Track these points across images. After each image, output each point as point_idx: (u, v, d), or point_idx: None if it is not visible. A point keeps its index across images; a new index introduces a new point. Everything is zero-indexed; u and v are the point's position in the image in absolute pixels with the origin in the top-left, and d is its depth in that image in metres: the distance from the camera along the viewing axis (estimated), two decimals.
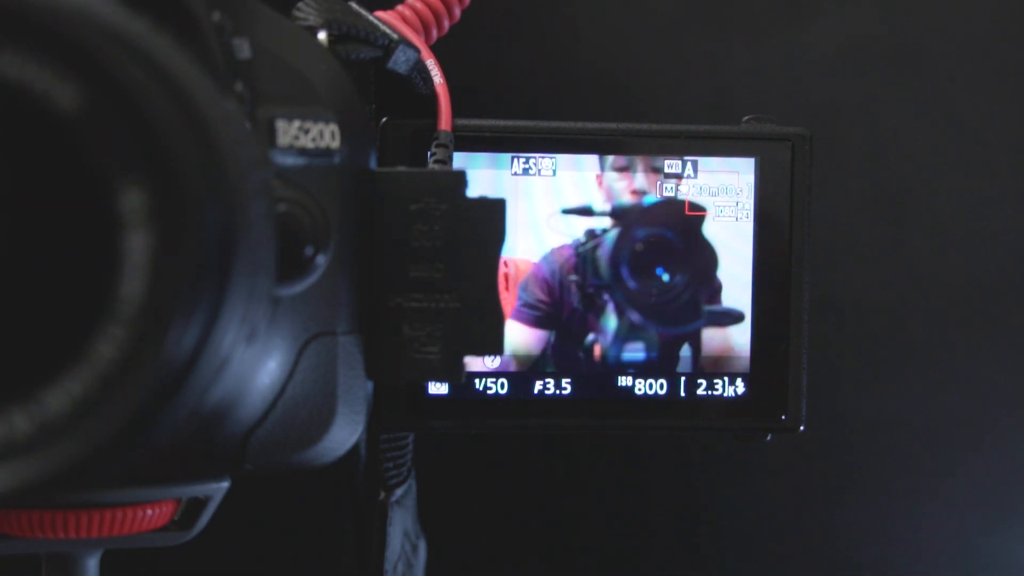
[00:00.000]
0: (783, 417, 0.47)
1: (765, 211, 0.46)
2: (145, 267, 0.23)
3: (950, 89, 0.74)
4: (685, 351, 0.47)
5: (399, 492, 0.41)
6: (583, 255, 0.45)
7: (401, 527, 0.41)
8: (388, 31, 0.37)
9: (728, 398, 0.47)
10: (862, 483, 0.75)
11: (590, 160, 0.45)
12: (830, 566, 0.76)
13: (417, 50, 0.38)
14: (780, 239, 0.46)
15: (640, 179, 0.46)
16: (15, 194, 0.24)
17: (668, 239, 0.47)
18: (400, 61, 0.37)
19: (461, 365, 0.36)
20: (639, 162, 0.46)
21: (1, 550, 0.35)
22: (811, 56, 0.72)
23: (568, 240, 0.45)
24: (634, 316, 0.47)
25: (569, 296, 0.45)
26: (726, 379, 0.47)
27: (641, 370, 0.47)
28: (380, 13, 0.38)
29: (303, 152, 0.33)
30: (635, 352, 0.47)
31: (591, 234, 0.45)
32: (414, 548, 0.43)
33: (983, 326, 0.76)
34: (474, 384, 0.43)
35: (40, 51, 0.23)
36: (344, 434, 0.34)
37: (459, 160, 0.41)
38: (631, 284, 0.46)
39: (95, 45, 0.23)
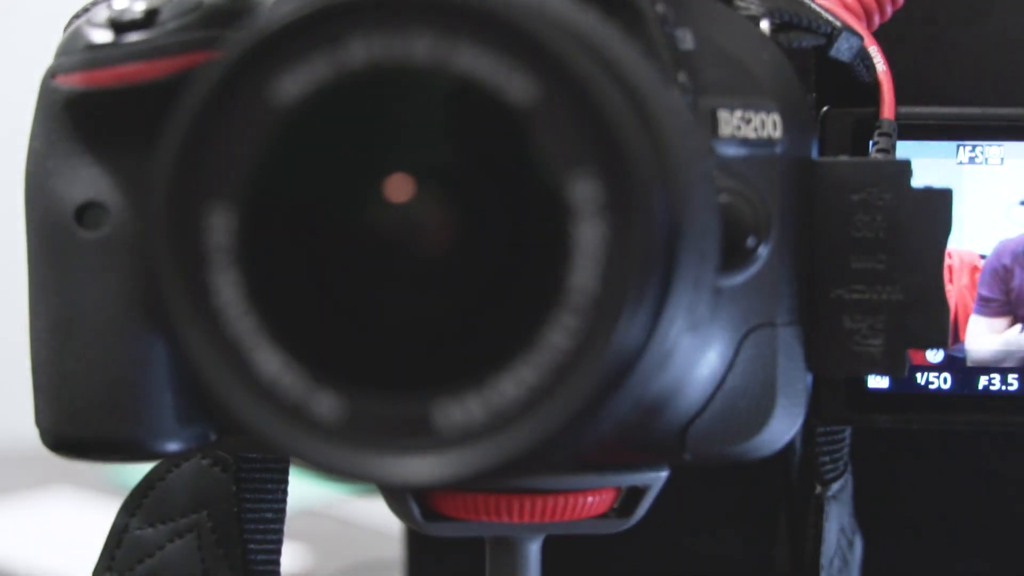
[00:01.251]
0: None
1: None
2: (598, 257, 0.23)
3: None
4: None
5: (836, 487, 0.40)
6: None
7: (837, 522, 0.40)
8: (831, 18, 0.36)
9: None
10: None
11: None
12: None
13: (860, 37, 0.37)
14: None
15: None
16: (466, 183, 0.25)
17: None
18: (843, 49, 0.36)
19: (904, 358, 0.34)
20: None
21: (448, 532, 0.36)
22: None
23: (1020, 231, 0.43)
24: None
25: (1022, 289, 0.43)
26: None
27: None
28: (822, 0, 0.37)
29: (745, 142, 0.32)
30: None
31: None
32: (850, 544, 0.42)
33: None
34: (915, 378, 0.42)
35: (496, 45, 0.23)
36: (784, 426, 0.34)
37: (903, 149, 0.39)
38: None
39: (549, 39, 0.23)
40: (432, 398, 0.24)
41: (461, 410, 0.24)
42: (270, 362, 0.24)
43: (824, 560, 0.40)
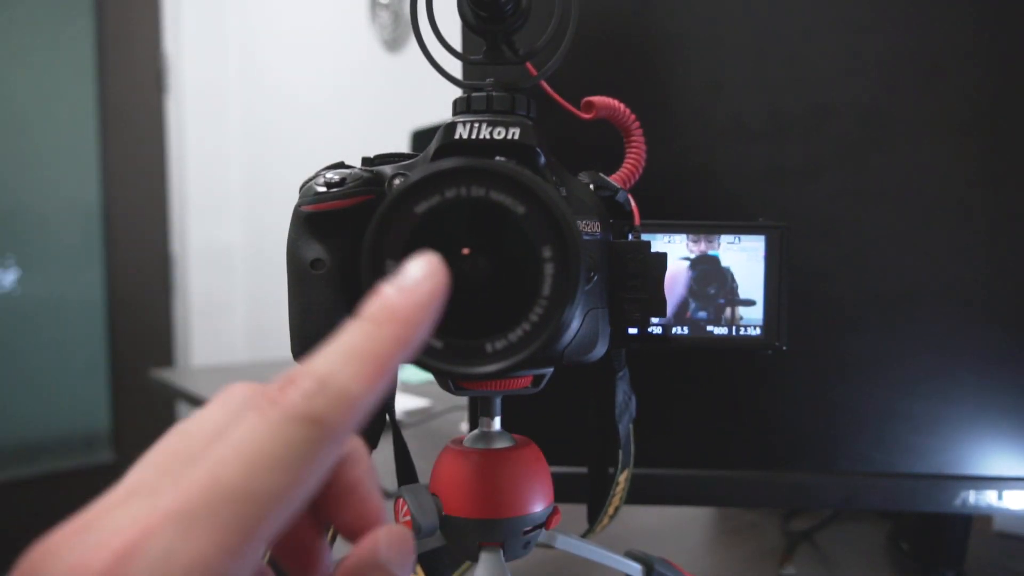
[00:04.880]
0: None
1: None
2: (552, 280, 0.22)
3: None
4: None
5: (621, 373, 0.39)
6: None
7: (622, 389, 0.39)
8: (615, 184, 0.35)
9: None
10: None
11: None
12: None
13: (626, 192, 0.36)
14: None
15: None
16: (495, 252, 0.23)
17: None
18: (620, 196, 0.35)
19: (648, 321, 0.33)
20: None
21: (466, 395, 0.33)
22: None
23: (678, 267, 0.41)
24: None
25: None
26: None
27: None
28: (612, 176, 0.37)
29: (587, 234, 0.31)
30: None
31: None
32: (628, 400, 0.41)
33: None
34: (651, 329, 0.40)
35: (511, 190, 0.22)
36: (601, 349, 0.33)
37: (646, 236, 0.37)
38: None
39: (534, 188, 0.22)
40: (483, 339, 0.22)
41: (495, 345, 0.22)
42: None
43: (618, 408, 0.39)
